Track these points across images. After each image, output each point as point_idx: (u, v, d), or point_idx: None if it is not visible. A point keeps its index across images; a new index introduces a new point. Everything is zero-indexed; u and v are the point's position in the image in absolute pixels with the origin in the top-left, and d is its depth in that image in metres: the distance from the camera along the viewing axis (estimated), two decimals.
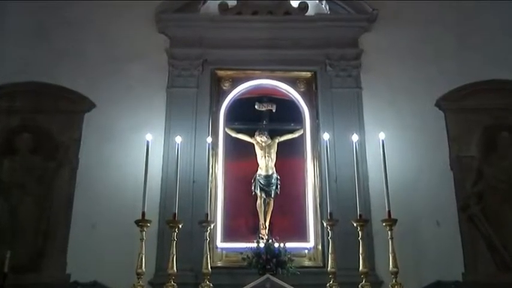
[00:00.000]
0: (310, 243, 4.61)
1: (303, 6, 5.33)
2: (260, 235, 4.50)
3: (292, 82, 5.18)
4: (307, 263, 4.56)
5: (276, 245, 4.17)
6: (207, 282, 4.00)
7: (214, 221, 4.51)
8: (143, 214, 4.04)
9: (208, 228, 4.16)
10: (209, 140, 4.56)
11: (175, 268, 3.99)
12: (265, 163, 4.81)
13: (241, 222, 4.75)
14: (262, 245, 4.18)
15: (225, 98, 5.11)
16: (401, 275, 3.92)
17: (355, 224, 4.09)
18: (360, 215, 4.11)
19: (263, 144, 4.89)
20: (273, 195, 4.73)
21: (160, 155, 4.72)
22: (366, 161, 4.70)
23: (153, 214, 4.27)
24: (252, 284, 3.92)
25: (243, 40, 5.16)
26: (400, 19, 5.26)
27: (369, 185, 4.62)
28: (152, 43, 5.16)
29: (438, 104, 4.97)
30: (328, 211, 4.16)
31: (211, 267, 4.09)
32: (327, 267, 4.06)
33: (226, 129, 5.01)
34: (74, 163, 4.72)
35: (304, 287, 4.16)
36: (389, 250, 3.95)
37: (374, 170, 4.57)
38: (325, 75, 5.09)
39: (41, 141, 4.77)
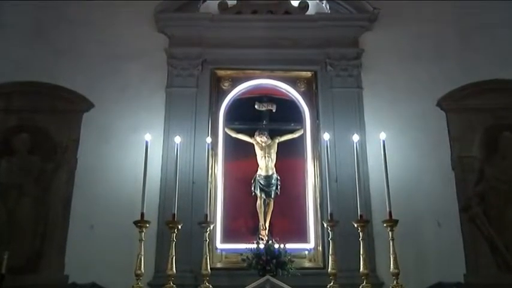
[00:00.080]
0: (311, 244, 4.59)
1: (303, 6, 5.32)
2: (260, 236, 4.48)
3: (293, 82, 5.16)
4: (307, 264, 4.54)
5: (276, 246, 4.15)
6: (207, 284, 3.99)
7: (214, 221, 4.49)
8: (142, 215, 4.02)
9: (208, 229, 4.13)
10: (209, 140, 4.54)
11: (174, 269, 3.98)
12: (265, 163, 4.79)
13: (241, 223, 4.73)
14: (262, 246, 4.16)
15: (225, 97, 5.09)
16: (403, 276, 3.90)
17: (355, 225, 4.07)
18: (361, 216, 4.10)
19: (263, 144, 4.87)
20: (273, 196, 4.72)
21: (160, 155, 4.71)
22: (367, 161, 4.69)
23: (152, 215, 4.27)
24: (252, 285, 3.90)
25: (243, 39, 5.14)
26: (401, 18, 5.24)
27: (370, 185, 4.61)
28: (151, 42, 5.14)
29: (439, 104, 4.95)
30: (329, 212, 4.14)
31: (210, 269, 4.06)
32: (328, 268, 4.05)
33: (226, 129, 4.99)
34: (72, 163, 4.70)
35: None
36: (390, 251, 3.94)
37: (375, 170, 4.56)
38: (325, 75, 5.08)
39: (38, 141, 4.75)
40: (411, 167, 4.69)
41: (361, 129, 4.79)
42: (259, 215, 4.68)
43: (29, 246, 4.43)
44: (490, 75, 5.02)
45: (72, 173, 4.67)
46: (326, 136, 4.47)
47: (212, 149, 4.68)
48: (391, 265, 3.90)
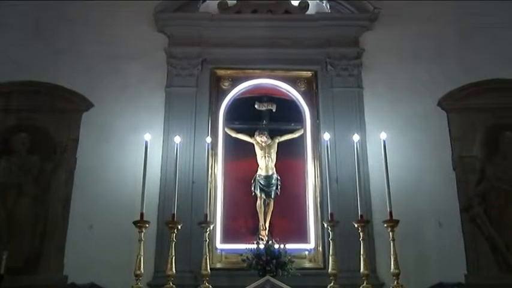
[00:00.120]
0: (311, 245, 4.58)
1: (304, 5, 5.31)
2: (260, 236, 4.47)
3: (293, 81, 5.15)
4: (307, 264, 4.52)
5: (276, 246, 4.14)
6: (206, 284, 3.97)
7: (214, 222, 4.48)
8: (142, 215, 4.01)
9: (208, 229, 4.12)
10: (208, 140, 4.52)
11: (174, 269, 3.96)
12: (265, 163, 4.78)
13: (241, 223, 4.72)
14: (262, 246, 4.14)
15: (225, 97, 5.08)
16: (403, 277, 3.89)
17: (356, 225, 4.06)
18: (361, 216, 4.08)
19: (263, 144, 4.86)
20: (273, 196, 4.71)
21: (159, 155, 4.69)
22: (367, 161, 4.67)
23: (151, 215, 4.27)
24: (252, 285, 3.89)
25: (243, 39, 5.13)
26: (402, 18, 5.23)
27: (370, 185, 4.60)
28: (151, 42, 5.13)
29: (440, 104, 4.94)
30: (329, 212, 4.13)
31: (210, 269, 4.05)
32: (328, 268, 4.03)
33: (225, 129, 4.98)
34: (72, 163, 4.69)
35: None
36: (390, 251, 3.92)
37: (375, 170, 4.54)
38: (325, 74, 5.07)
39: (38, 141, 4.73)
40: (412, 167, 4.68)
41: (362, 129, 4.77)
42: (259, 215, 4.67)
43: (28, 247, 4.42)
44: (490, 74, 5.01)
45: (72, 172, 4.65)
46: (326, 136, 4.45)
47: (212, 148, 4.67)
48: (392, 265, 3.88)
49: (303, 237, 4.59)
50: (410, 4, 5.26)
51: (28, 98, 4.86)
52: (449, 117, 4.89)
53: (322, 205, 4.59)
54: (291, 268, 4.10)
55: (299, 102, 5.09)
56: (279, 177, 4.75)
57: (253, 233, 4.59)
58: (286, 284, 3.91)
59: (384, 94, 4.97)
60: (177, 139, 4.38)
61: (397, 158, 4.51)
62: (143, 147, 4.27)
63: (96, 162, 4.68)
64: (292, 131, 4.99)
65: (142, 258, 3.92)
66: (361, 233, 4.02)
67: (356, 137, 4.39)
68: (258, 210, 4.68)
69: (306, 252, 4.57)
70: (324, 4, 5.32)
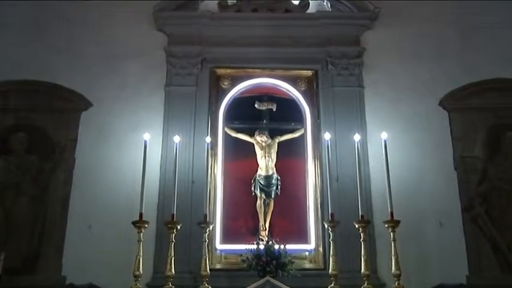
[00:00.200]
0: (311, 245, 4.56)
1: (304, 4, 5.29)
2: (260, 236, 4.46)
3: (293, 81, 5.13)
4: (307, 265, 4.51)
5: (276, 246, 4.11)
6: (206, 285, 3.95)
7: (213, 222, 4.46)
8: (141, 215, 3.99)
9: (207, 230, 4.09)
10: (208, 139, 4.51)
11: (173, 270, 3.94)
12: (265, 163, 4.76)
13: (241, 224, 4.70)
14: (262, 246, 4.12)
15: (225, 96, 5.06)
16: (404, 278, 3.87)
17: (356, 226, 4.04)
18: (362, 216, 4.07)
19: (263, 144, 4.84)
20: (273, 196, 4.69)
21: (159, 154, 4.67)
22: (368, 161, 4.66)
23: (150, 215, 4.25)
24: (252, 286, 3.87)
25: (243, 38, 5.10)
26: (403, 17, 5.21)
27: (371, 185, 4.58)
28: (150, 41, 5.10)
29: (442, 104, 4.92)
30: (329, 212, 4.11)
31: (210, 270, 4.03)
32: (328, 269, 4.01)
33: (225, 129, 4.96)
34: (70, 163, 4.66)
35: None
36: (391, 252, 3.90)
37: (376, 170, 4.53)
38: (326, 73, 5.05)
39: (36, 140, 4.71)
40: (413, 167, 4.66)
41: (363, 128, 4.76)
42: (259, 215, 4.65)
43: (26, 247, 4.40)
44: (491, 74, 5.00)
45: (70, 172, 4.63)
46: (327, 136, 4.43)
47: (212, 148, 4.65)
48: (393, 266, 3.87)
49: (303, 237, 4.57)
50: (411, 3, 5.24)
51: (26, 97, 4.84)
52: (450, 117, 4.87)
53: (322, 205, 4.57)
54: (291, 269, 4.08)
55: (299, 101, 5.06)
56: (279, 177, 4.73)
57: (253, 234, 4.57)
58: (287, 285, 3.89)
59: (385, 93, 4.95)
60: (177, 139, 4.36)
61: (398, 158, 4.48)
62: (142, 147, 4.24)
63: (95, 162, 4.66)
64: (292, 131, 4.97)
65: (141, 259, 3.90)
66: (361, 234, 4.00)
67: (357, 137, 4.37)
68: (258, 210, 4.66)
69: (306, 253, 4.55)
70: (324, 3, 5.29)
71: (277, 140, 4.87)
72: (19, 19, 5.13)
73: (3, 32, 5.05)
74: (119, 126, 4.79)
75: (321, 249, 4.51)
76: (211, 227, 4.21)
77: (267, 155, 4.79)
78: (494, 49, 5.10)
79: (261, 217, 4.64)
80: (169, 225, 4.03)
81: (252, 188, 4.71)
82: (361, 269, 3.93)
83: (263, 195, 4.67)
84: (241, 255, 4.22)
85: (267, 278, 3.91)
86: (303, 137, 4.95)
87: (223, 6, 5.25)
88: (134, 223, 3.98)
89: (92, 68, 4.98)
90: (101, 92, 4.89)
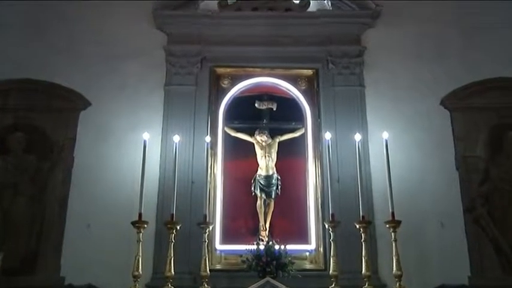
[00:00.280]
0: (312, 246, 4.55)
1: (304, 3, 5.26)
2: (260, 237, 4.45)
3: (293, 80, 5.11)
4: (308, 265, 4.49)
5: (277, 247, 4.09)
6: (206, 286, 3.93)
7: (213, 222, 4.44)
8: (140, 215, 3.97)
9: (207, 230, 4.07)
10: (208, 139, 4.48)
11: (172, 271, 3.92)
12: (266, 163, 4.74)
13: (241, 224, 4.68)
14: (262, 247, 4.09)
15: (224, 96, 5.04)
16: (405, 278, 3.85)
17: (357, 226, 4.02)
18: (363, 217, 4.04)
19: (263, 143, 4.82)
20: (273, 196, 4.67)
21: (158, 154, 4.66)
22: (369, 161, 4.64)
23: (150, 215, 4.23)
24: (252, 287, 3.85)
25: (243, 37, 5.09)
26: (404, 15, 5.19)
27: (372, 185, 4.56)
28: (150, 40, 5.08)
29: (443, 103, 4.90)
30: (330, 212, 4.09)
31: (209, 270, 4.01)
32: (329, 270, 3.99)
33: (225, 128, 4.94)
34: (69, 162, 4.64)
35: None
36: (392, 252, 3.88)
37: (377, 170, 4.51)
38: (327, 72, 5.03)
39: (34, 140, 4.69)
40: (414, 167, 4.64)
41: (364, 128, 4.73)
42: (259, 215, 4.63)
43: (24, 247, 4.38)
44: (493, 73, 4.98)
45: (69, 172, 4.61)
46: (327, 135, 4.41)
47: (211, 148, 4.63)
48: (394, 267, 3.85)
49: (303, 238, 4.55)
50: (412, 2, 5.21)
51: (25, 96, 4.82)
52: (452, 117, 4.84)
53: (323, 205, 4.55)
54: (292, 269, 4.05)
55: (300, 100, 5.04)
56: (279, 177, 4.72)
57: (253, 234, 4.55)
58: (287, 286, 3.87)
59: (386, 93, 4.93)
60: (176, 138, 4.33)
61: (399, 158, 4.47)
62: (142, 147, 4.22)
63: (94, 162, 4.64)
64: (292, 130, 4.95)
65: (140, 259, 3.87)
66: (362, 234, 3.98)
67: (358, 137, 4.35)
68: (258, 210, 4.65)
69: (307, 253, 4.54)
70: (325, 1, 5.26)
71: (277, 140, 4.85)
72: (18, 19, 5.10)
73: (2, 32, 5.03)
74: (118, 126, 4.77)
75: (321, 249, 4.49)
76: (211, 227, 4.19)
77: (267, 154, 4.77)
78: (496, 48, 5.08)
79: (261, 217, 4.62)
80: (168, 226, 4.01)
81: (252, 188, 4.69)
82: (362, 270, 3.91)
83: (263, 195, 4.65)
84: (241, 256, 4.19)
85: (267, 278, 3.89)
86: (303, 137, 4.93)
87: (223, 5, 5.22)
88: (133, 223, 3.96)
89: (91, 67, 4.96)
90: (100, 91, 4.87)
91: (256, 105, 5.03)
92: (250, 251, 4.09)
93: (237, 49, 5.06)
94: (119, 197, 4.46)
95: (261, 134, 4.83)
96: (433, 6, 5.23)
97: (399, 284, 3.80)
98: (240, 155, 4.87)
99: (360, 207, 4.05)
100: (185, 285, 4.18)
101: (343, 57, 5.01)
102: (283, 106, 5.04)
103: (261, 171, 4.72)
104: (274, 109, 5.03)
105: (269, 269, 3.97)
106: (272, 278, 3.91)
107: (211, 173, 4.67)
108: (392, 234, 3.91)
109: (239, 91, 5.08)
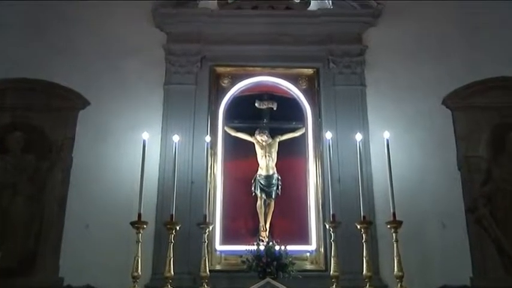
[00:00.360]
0: (312, 246, 4.53)
1: (305, 1, 5.24)
2: (260, 237, 4.43)
3: (294, 79, 5.08)
4: (309, 266, 4.48)
5: (277, 247, 4.07)
6: (206, 286, 3.91)
7: (213, 222, 4.42)
8: (139, 215, 3.95)
9: (207, 230, 4.06)
10: (208, 139, 4.46)
11: (172, 271, 3.91)
12: (266, 163, 4.72)
13: (241, 224, 4.66)
14: (262, 247, 4.07)
15: (224, 95, 5.02)
16: (407, 279, 3.83)
17: (358, 226, 4.00)
18: (364, 217, 4.02)
19: (263, 143, 4.80)
20: (273, 196, 4.65)
21: (158, 154, 4.64)
22: (370, 161, 4.62)
23: (149, 215, 4.20)
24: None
25: (243, 36, 5.06)
26: (406, 14, 5.16)
27: (373, 185, 4.54)
28: (149, 39, 5.05)
29: (445, 102, 4.88)
30: (331, 213, 4.06)
31: (209, 271, 3.99)
32: (330, 270, 3.97)
33: (225, 128, 4.92)
34: (68, 162, 4.62)
35: None
36: (394, 253, 3.86)
37: (378, 170, 4.49)
38: (327, 72, 5.00)
39: (33, 139, 4.66)
40: (416, 167, 4.61)
41: (365, 128, 4.71)
42: (259, 215, 4.61)
43: (22, 247, 4.35)
44: (495, 72, 4.95)
45: (68, 171, 4.59)
46: (328, 135, 4.39)
47: (211, 148, 4.61)
48: (395, 267, 3.83)
49: (304, 238, 4.53)
50: (414, 1, 5.18)
51: (23, 95, 4.79)
52: (454, 116, 4.82)
53: (323, 206, 4.52)
54: (292, 270, 4.03)
55: (300, 100, 5.02)
56: (279, 177, 4.69)
57: (253, 234, 4.54)
58: (287, 287, 3.84)
59: (388, 92, 4.90)
60: (176, 138, 4.32)
61: (400, 158, 4.45)
62: (141, 146, 4.20)
63: (93, 161, 4.62)
64: (293, 130, 4.93)
65: (139, 260, 3.86)
66: (363, 234, 3.96)
67: (359, 136, 4.32)
68: (258, 210, 4.63)
69: (307, 254, 4.52)
70: (326, 0, 5.24)
71: (277, 140, 4.83)
72: (17, 18, 5.07)
73: (2, 31, 5.01)
74: (117, 125, 4.75)
75: (322, 250, 4.47)
76: (210, 228, 4.17)
77: (267, 154, 4.75)
78: (497, 48, 5.05)
79: (261, 217, 4.60)
80: (168, 226, 3.99)
81: (252, 188, 4.67)
82: (362, 271, 3.88)
83: (263, 196, 4.63)
84: (241, 256, 4.16)
85: (268, 279, 3.87)
86: (303, 137, 4.91)
87: (222, 3, 5.20)
88: (133, 223, 3.94)
89: (90, 67, 4.94)
90: (99, 90, 4.85)
91: (256, 104, 5.01)
92: (251, 251, 4.07)
93: (237, 48, 5.04)
94: (118, 197, 4.44)
95: (261, 134, 4.81)
96: (434, 5, 5.21)
97: (400, 285, 3.78)
98: (240, 154, 4.85)
99: (361, 208, 4.03)
100: (185, 285, 4.16)
101: (344, 57, 4.98)
102: (283, 105, 5.02)
103: (261, 171, 4.70)
104: (275, 108, 5.01)
105: (269, 270, 3.94)
106: (272, 278, 3.88)
107: (211, 173, 4.66)
108: (394, 234, 3.89)
109: (239, 90, 5.05)
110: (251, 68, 5.07)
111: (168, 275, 3.88)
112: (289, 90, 5.06)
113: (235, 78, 5.07)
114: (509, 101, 4.85)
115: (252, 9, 5.19)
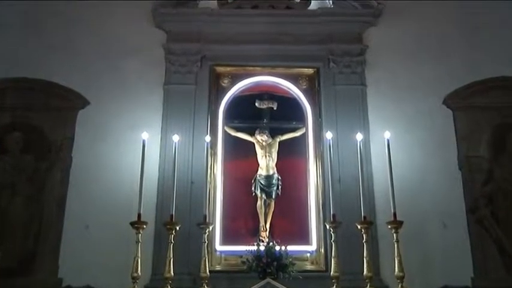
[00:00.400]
0: (313, 246, 4.52)
1: (306, 1, 5.23)
2: (260, 238, 4.42)
3: (294, 79, 5.07)
4: (309, 266, 4.47)
5: (277, 248, 4.06)
6: (205, 287, 3.90)
7: (213, 223, 4.41)
8: (139, 216, 3.93)
9: (207, 231, 4.04)
10: (208, 138, 4.45)
11: (172, 272, 3.89)
12: (266, 163, 4.71)
13: (241, 224, 4.65)
14: (262, 248, 4.06)
15: (224, 95, 5.01)
16: (407, 280, 3.82)
17: (359, 227, 3.99)
18: (364, 217, 4.01)
19: (264, 143, 4.79)
20: (273, 196, 4.64)
21: (157, 154, 4.63)
22: (371, 161, 4.61)
23: (149, 216, 4.19)
24: None
25: (243, 35, 5.05)
26: (406, 14, 5.15)
27: (374, 185, 4.53)
28: (149, 38, 5.04)
29: (446, 102, 4.87)
30: (331, 213, 4.04)
31: (209, 271, 3.98)
32: (330, 271, 3.96)
33: (225, 128, 4.91)
34: (67, 162, 4.61)
35: None
36: (394, 253, 3.85)
37: (379, 170, 4.48)
38: (328, 71, 4.99)
39: (32, 139, 4.66)
40: (416, 167, 4.61)
41: (365, 127, 4.71)
42: (259, 216, 4.60)
43: (21, 248, 4.34)
44: (495, 72, 4.95)
45: (67, 171, 4.58)
46: (329, 135, 4.37)
47: (211, 148, 4.60)
48: (396, 268, 3.82)
49: (304, 238, 4.52)
50: (414, 1, 5.18)
51: (22, 95, 4.78)
52: (455, 116, 4.81)
53: (324, 206, 4.51)
54: (292, 270, 4.02)
55: (300, 100, 5.01)
56: (280, 177, 4.68)
57: (253, 235, 4.53)
58: (287, 287, 3.84)
59: (388, 92, 4.89)
60: (176, 138, 4.30)
61: (401, 158, 4.45)
62: (141, 146, 4.18)
63: (92, 161, 4.61)
64: (293, 130, 4.92)
65: (139, 260, 3.84)
66: (364, 235, 3.94)
67: (359, 136, 4.31)
68: (258, 210, 4.61)
69: (308, 254, 4.51)
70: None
71: (277, 139, 4.83)
72: (17, 18, 5.06)
73: (1, 31, 4.99)
74: (116, 125, 4.73)
75: (322, 250, 4.46)
76: (210, 228, 4.15)
77: (267, 154, 4.74)
78: (497, 48, 5.05)
79: (262, 218, 4.59)
80: (168, 226, 3.98)
81: (252, 188, 4.65)
82: (363, 271, 3.87)
83: (263, 196, 4.62)
84: (241, 257, 4.16)
85: (268, 279, 3.86)
86: (304, 136, 4.90)
87: (222, 3, 5.19)
88: (132, 224, 3.92)
89: (90, 66, 4.92)
90: (99, 90, 4.84)
91: (256, 104, 5.00)
92: (251, 251, 4.06)
93: (237, 47, 5.03)
94: (117, 197, 4.43)
95: (262, 134, 4.80)
96: (435, 5, 5.21)
97: (401, 286, 3.76)
98: (240, 154, 4.84)
99: (362, 208, 4.02)
100: (185, 286, 4.15)
101: (345, 56, 4.98)
102: (283, 105, 5.01)
103: (262, 171, 4.69)
104: (275, 108, 5.00)
105: (269, 270, 3.94)
106: (273, 279, 3.88)
107: (211, 173, 4.65)
108: (394, 235, 3.88)
109: (239, 90, 5.04)
110: (251, 68, 5.06)
111: (168, 275, 3.87)
112: (289, 90, 5.05)
113: (235, 78, 5.06)
114: (509, 101, 4.85)
115: (252, 8, 5.19)
